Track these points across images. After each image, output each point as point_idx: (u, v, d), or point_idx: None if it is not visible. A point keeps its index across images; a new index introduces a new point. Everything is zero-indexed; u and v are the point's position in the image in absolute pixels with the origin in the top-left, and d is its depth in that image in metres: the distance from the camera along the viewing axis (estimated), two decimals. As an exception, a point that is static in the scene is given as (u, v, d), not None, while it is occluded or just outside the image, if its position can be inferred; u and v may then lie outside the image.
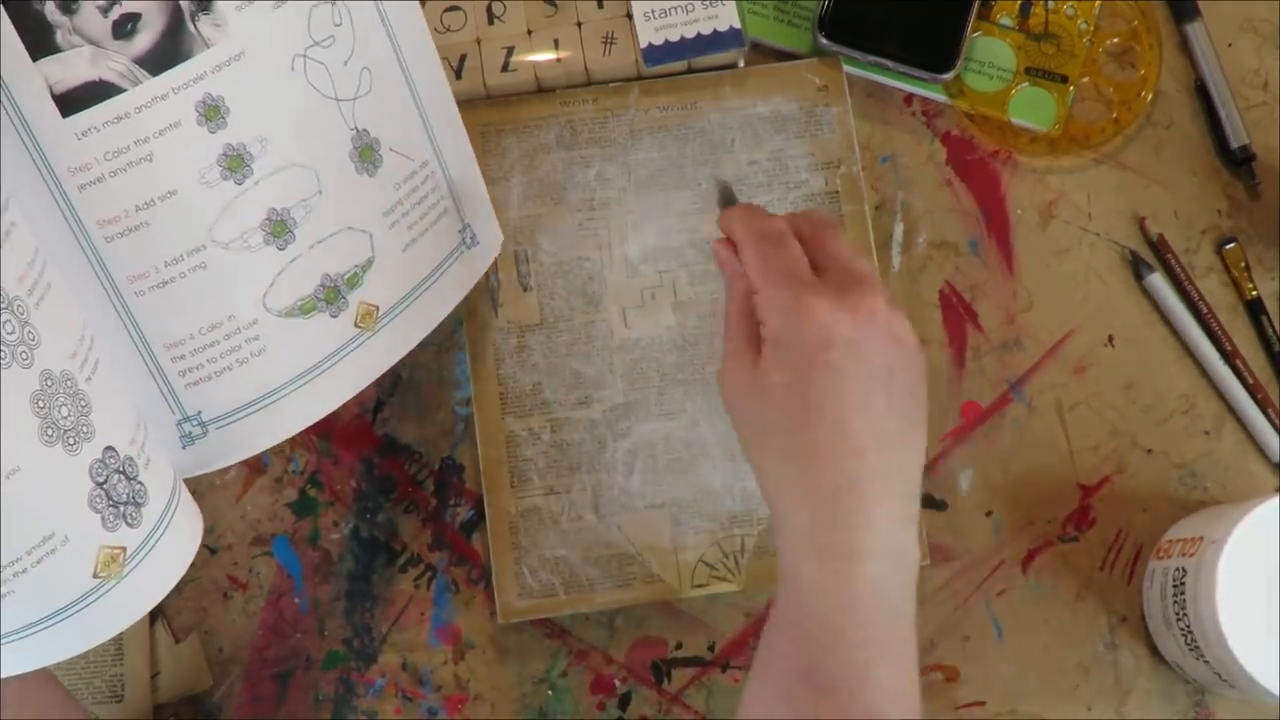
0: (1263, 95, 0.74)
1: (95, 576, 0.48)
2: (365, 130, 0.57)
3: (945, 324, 0.72)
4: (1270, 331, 0.72)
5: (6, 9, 0.47)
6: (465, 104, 0.68)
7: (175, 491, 0.53)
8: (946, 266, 0.72)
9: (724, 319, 0.55)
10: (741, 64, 0.72)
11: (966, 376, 0.71)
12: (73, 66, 0.48)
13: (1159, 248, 0.72)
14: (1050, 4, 0.73)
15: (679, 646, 0.69)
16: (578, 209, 0.70)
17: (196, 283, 0.52)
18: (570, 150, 0.71)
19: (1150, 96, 0.73)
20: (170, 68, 0.50)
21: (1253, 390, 0.71)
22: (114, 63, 0.49)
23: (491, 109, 0.71)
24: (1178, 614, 0.65)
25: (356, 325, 0.57)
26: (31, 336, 0.46)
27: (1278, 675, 0.61)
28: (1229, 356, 0.71)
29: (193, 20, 0.51)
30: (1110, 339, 0.72)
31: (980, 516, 0.70)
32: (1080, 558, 0.70)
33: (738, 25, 0.70)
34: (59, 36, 0.48)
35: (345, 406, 0.60)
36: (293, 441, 0.64)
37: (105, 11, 0.49)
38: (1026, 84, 0.73)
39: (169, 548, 0.51)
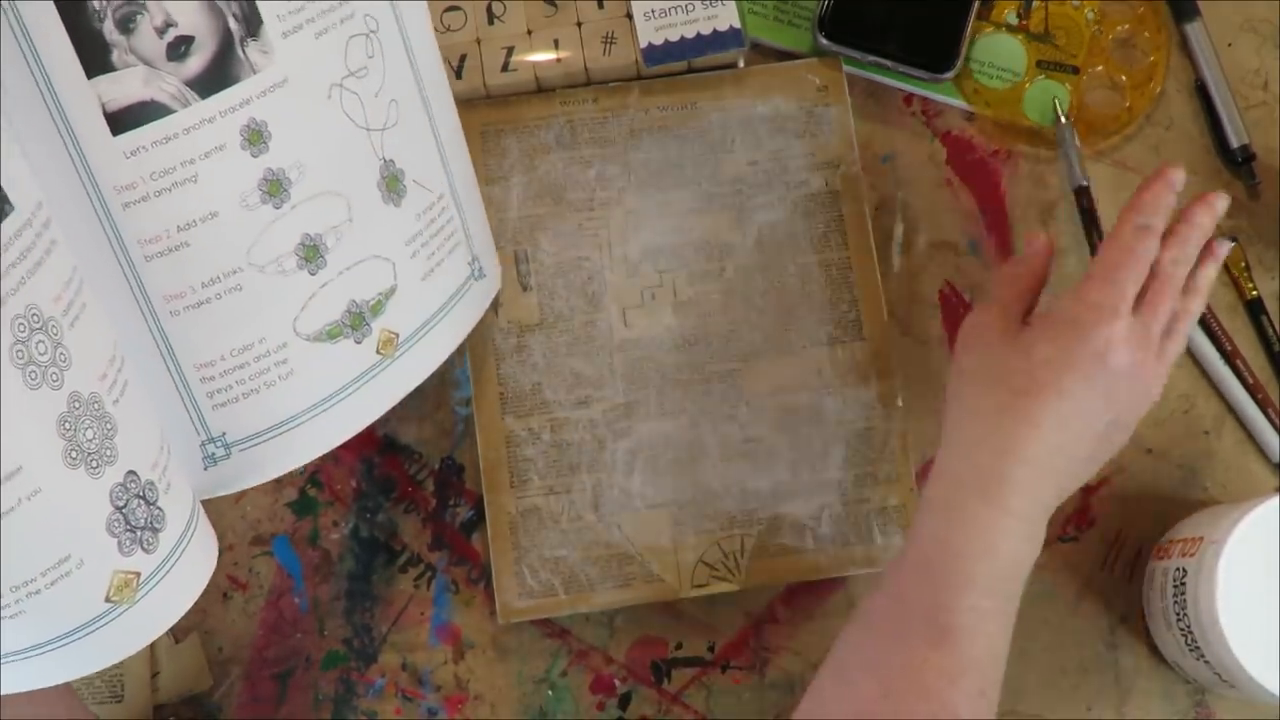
0: (1263, 95, 0.74)
1: (107, 601, 0.47)
2: (392, 160, 0.57)
3: (945, 324, 0.72)
4: (1270, 331, 0.72)
5: (66, 25, 0.47)
6: (465, 104, 0.68)
7: (193, 516, 0.52)
8: (946, 266, 0.72)
9: (1004, 273, 0.62)
10: (741, 64, 0.72)
11: (966, 376, 0.71)
12: (126, 85, 0.49)
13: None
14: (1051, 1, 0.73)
15: (679, 646, 0.69)
16: (578, 209, 0.70)
17: (231, 304, 0.53)
18: (570, 150, 0.71)
19: (1162, 81, 0.73)
20: (219, 91, 0.51)
21: (1253, 390, 0.71)
22: (166, 84, 0.50)
23: (491, 109, 0.71)
24: (1178, 614, 0.65)
25: (378, 352, 0.57)
26: (63, 358, 0.46)
27: (1278, 675, 0.61)
28: (1229, 356, 0.71)
29: (242, 45, 0.51)
30: (1110, 339, 0.72)
31: (980, 516, 0.70)
32: (1080, 558, 0.70)
33: (738, 25, 0.70)
34: (115, 55, 0.49)
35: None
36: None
37: (161, 33, 0.49)
38: (1041, 77, 0.73)
39: (183, 573, 0.51)
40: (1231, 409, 0.71)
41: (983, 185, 0.73)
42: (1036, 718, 0.69)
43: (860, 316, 0.70)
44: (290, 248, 0.54)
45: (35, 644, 0.47)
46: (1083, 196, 0.71)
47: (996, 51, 0.73)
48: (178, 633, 0.68)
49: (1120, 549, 0.70)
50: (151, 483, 0.49)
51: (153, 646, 0.67)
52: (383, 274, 0.57)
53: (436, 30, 0.68)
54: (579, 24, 0.70)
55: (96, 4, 0.48)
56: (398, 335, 0.58)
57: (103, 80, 0.48)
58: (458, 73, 0.69)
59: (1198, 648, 0.64)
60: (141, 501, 0.49)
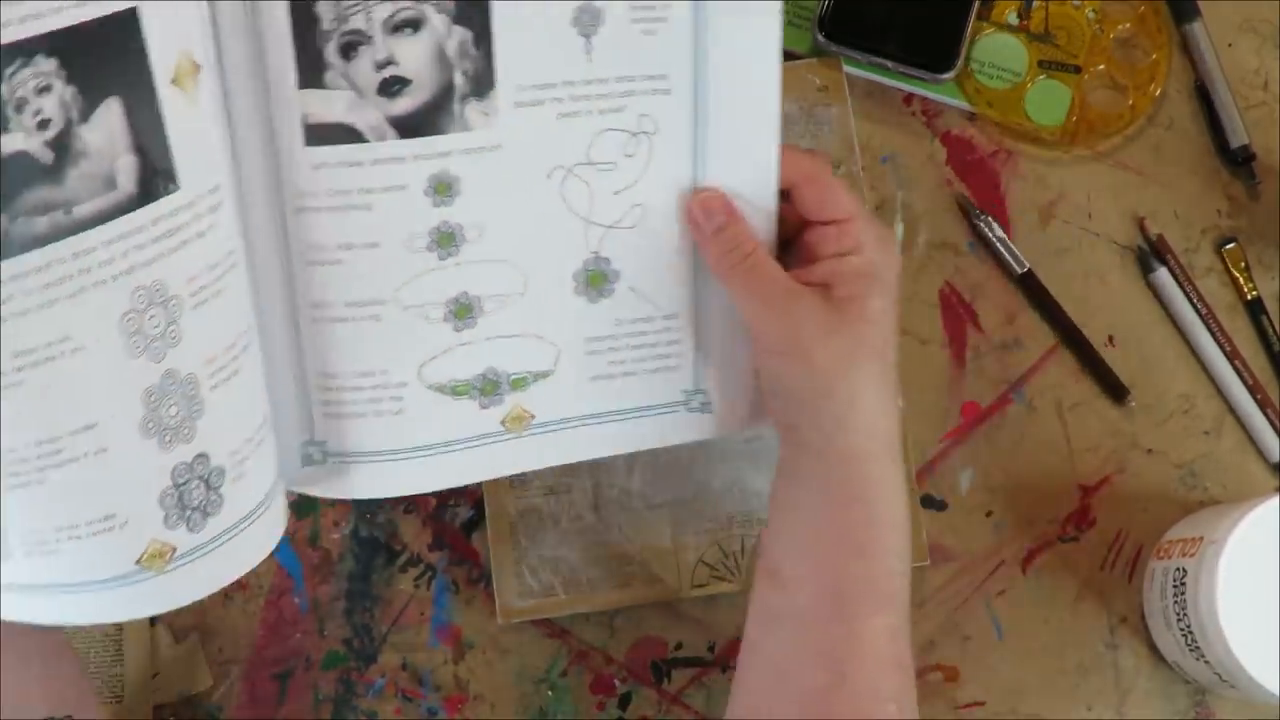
0: (1263, 95, 0.74)
1: (137, 564, 0.48)
2: (606, 259, 0.55)
3: (945, 324, 0.72)
4: (1270, 331, 0.72)
5: (294, 34, 0.48)
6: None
7: (257, 509, 0.52)
8: (946, 266, 0.72)
9: (748, 280, 0.54)
10: (742, 64, 0.72)
11: (966, 376, 0.71)
12: (330, 105, 0.49)
13: (1159, 248, 0.72)
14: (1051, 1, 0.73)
15: (679, 646, 0.69)
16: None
17: (365, 331, 0.53)
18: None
19: (1163, 81, 0.73)
20: (419, 136, 0.51)
21: (1253, 390, 0.71)
22: (369, 115, 0.50)
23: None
24: (1178, 614, 0.65)
25: (503, 424, 0.56)
26: (174, 335, 0.47)
27: (1278, 675, 0.61)
28: (1229, 356, 0.71)
29: (461, 101, 0.51)
30: (1110, 339, 0.72)
31: (980, 516, 0.70)
32: (1080, 558, 0.70)
33: (738, 25, 0.69)
34: (328, 76, 0.49)
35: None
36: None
37: (379, 68, 0.49)
38: (1043, 77, 0.73)
39: (217, 562, 0.51)
40: (1231, 409, 0.71)
41: (983, 185, 0.73)
42: (1036, 718, 0.69)
43: (860, 316, 0.70)
44: (442, 299, 0.53)
45: (56, 582, 0.48)
46: (1029, 280, 0.71)
47: (997, 51, 0.73)
48: (178, 633, 0.68)
49: (1120, 549, 0.71)
50: (221, 469, 0.50)
51: (153, 647, 0.67)
52: (540, 356, 0.56)
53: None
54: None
55: (326, 25, 0.49)
56: (533, 416, 0.56)
57: (310, 93, 0.49)
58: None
59: (1198, 648, 0.64)
60: (202, 484, 0.49)
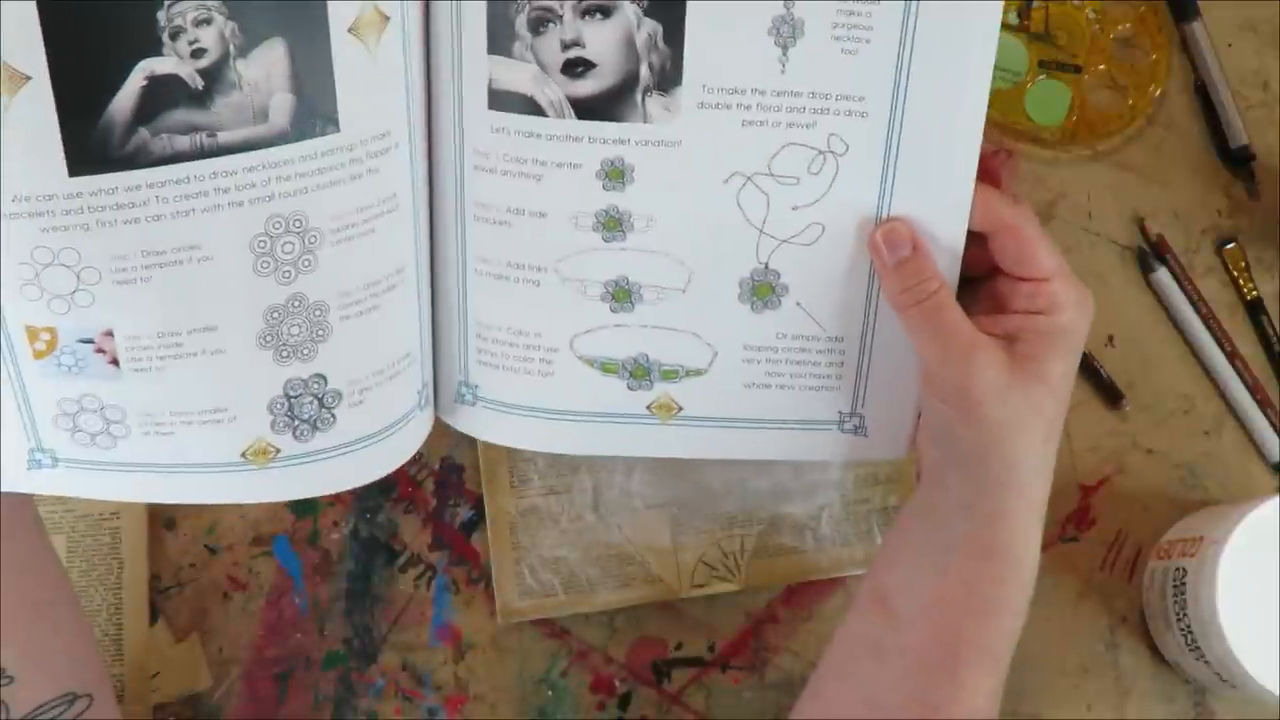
0: (1263, 95, 0.74)
1: (242, 456, 0.51)
2: (776, 272, 0.54)
3: (945, 324, 0.72)
4: (1270, 331, 0.72)
5: (489, 2, 0.50)
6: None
7: (365, 440, 0.54)
8: (946, 266, 0.72)
9: (928, 320, 0.52)
10: (742, 64, 0.72)
11: (966, 376, 0.71)
12: (514, 74, 0.51)
13: (1159, 248, 0.72)
14: (1051, 1, 0.73)
15: (679, 646, 0.69)
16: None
17: (524, 293, 0.54)
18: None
19: (1164, 81, 0.73)
20: (597, 119, 0.51)
21: (1253, 390, 0.71)
22: (550, 91, 0.51)
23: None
24: (1178, 614, 0.65)
25: (649, 409, 0.56)
26: (307, 264, 0.49)
27: (1278, 675, 0.61)
28: (1229, 357, 0.71)
29: (644, 93, 0.51)
30: (1111, 339, 0.72)
31: (980, 516, 0.70)
32: (1080, 558, 0.70)
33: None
34: (516, 46, 0.50)
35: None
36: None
37: (565, 47, 0.50)
38: (1043, 76, 0.73)
39: (319, 472, 0.53)
40: (1231, 409, 0.71)
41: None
42: (1036, 718, 0.69)
43: (860, 316, 0.70)
44: (601, 279, 0.54)
45: (169, 463, 0.51)
46: None
47: (997, 51, 0.73)
48: (178, 633, 0.68)
49: (1120, 549, 0.71)
50: (338, 392, 0.52)
51: (153, 647, 0.67)
52: (696, 353, 0.56)
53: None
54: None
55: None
56: (681, 408, 0.57)
57: (497, 60, 0.51)
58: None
59: (1198, 648, 0.64)
60: (315, 401, 0.52)
